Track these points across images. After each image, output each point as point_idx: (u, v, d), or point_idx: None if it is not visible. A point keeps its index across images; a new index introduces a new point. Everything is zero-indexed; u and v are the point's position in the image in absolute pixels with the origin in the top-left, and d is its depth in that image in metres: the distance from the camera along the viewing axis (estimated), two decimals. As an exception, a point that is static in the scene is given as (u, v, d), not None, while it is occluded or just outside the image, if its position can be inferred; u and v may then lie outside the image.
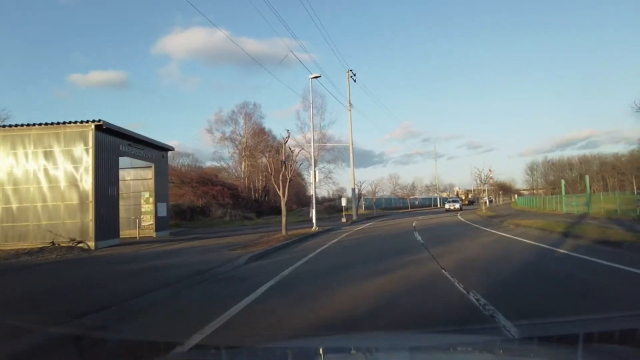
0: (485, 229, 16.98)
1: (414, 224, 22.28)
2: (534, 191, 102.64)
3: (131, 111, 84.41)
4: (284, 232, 15.42)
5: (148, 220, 18.22)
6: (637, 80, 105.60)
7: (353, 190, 29.16)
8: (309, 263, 8.76)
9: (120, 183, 18.89)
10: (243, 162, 49.90)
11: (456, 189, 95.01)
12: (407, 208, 57.52)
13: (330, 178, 32.99)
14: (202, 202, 33.41)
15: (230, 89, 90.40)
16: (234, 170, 51.02)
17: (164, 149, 18.72)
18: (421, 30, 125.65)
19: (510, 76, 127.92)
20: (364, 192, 46.51)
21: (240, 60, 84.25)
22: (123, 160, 18.34)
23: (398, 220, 27.03)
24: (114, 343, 3.79)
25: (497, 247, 10.21)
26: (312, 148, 19.52)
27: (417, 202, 66.86)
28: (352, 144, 29.13)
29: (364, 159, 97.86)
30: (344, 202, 27.49)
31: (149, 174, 18.16)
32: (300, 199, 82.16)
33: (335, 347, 2.18)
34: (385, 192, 59.99)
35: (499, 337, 3.07)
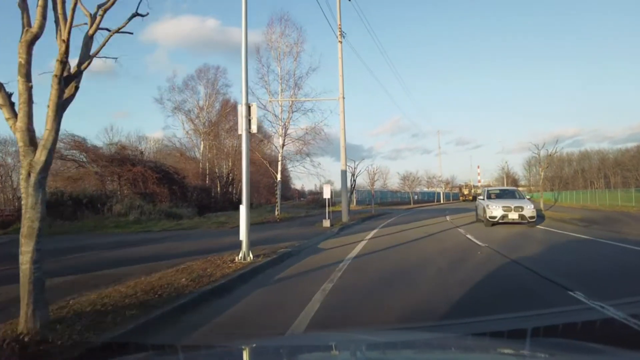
0: None
1: (503, 252, 10.21)
2: (531, 187, 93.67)
3: (117, 99, 72.91)
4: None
5: None
6: (621, 80, 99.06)
7: (343, 174, 16.99)
8: None
9: None
10: (202, 142, 37.41)
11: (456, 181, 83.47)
12: (409, 203, 45.64)
13: (308, 156, 20.19)
14: (108, 189, 21.01)
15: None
16: (191, 152, 38.52)
17: None
18: (413, 27, 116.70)
19: (498, 73, 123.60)
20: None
21: (229, 49, 72.53)
22: None
23: (424, 224, 15.06)
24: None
25: None
26: (243, 39, 7.00)
27: (416, 197, 55.03)
28: (344, 96, 16.96)
29: (353, 153, 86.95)
30: (327, 194, 15.40)
31: None
32: (282, 192, 70.26)
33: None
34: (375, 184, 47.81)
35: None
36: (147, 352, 2.28)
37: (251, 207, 30.99)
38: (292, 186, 68.59)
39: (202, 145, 37.21)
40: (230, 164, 38.21)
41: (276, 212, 18.06)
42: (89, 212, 16.98)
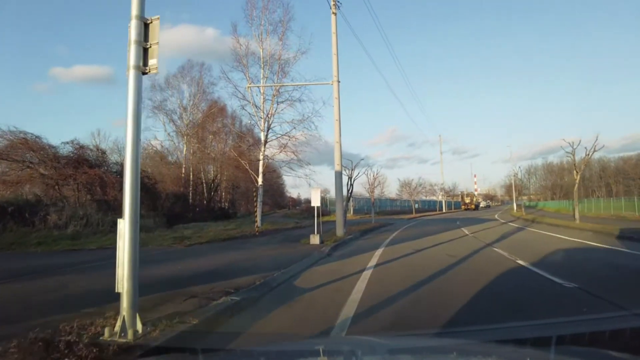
0: None
1: None
2: (531, 196, 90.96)
3: (116, 107, 70.14)
4: None
5: None
6: (617, 91, 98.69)
7: (338, 176, 13.30)
8: None
9: None
10: (185, 145, 33.70)
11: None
12: (410, 212, 41.99)
13: (295, 155, 16.18)
14: (64, 195, 17.34)
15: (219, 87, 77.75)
16: (173, 157, 34.85)
17: None
18: (407, 37, 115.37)
19: (494, 85, 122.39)
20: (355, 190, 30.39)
21: (228, 58, 69.92)
22: None
23: (441, 239, 11.38)
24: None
25: None
26: None
27: (417, 206, 51.38)
28: (338, 79, 13.38)
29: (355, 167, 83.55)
30: (316, 200, 11.68)
31: None
32: (276, 200, 66.50)
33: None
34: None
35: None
36: (168, 354, 2.36)
37: (235, 217, 26.85)
38: (288, 194, 64.84)
39: (184, 149, 33.53)
40: (216, 168, 34.60)
41: (256, 224, 14.32)
42: (15, 223, 13.22)
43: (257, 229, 13.91)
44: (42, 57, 63.32)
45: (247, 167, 15.85)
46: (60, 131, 68.09)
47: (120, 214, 3.69)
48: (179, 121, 33.23)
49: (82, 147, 19.68)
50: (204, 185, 33.99)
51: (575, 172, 16.80)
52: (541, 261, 7.29)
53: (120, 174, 20.28)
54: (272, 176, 52.22)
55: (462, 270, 6.75)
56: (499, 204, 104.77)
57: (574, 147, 15.96)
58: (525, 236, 13.19)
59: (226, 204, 36.03)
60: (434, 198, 64.66)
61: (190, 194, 31.77)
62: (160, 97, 32.70)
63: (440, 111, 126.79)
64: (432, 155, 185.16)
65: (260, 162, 15.54)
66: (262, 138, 15.39)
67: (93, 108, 69.21)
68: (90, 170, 18.06)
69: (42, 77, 67.22)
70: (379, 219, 28.03)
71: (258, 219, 14.89)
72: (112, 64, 77.72)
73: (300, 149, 15.75)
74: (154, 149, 33.69)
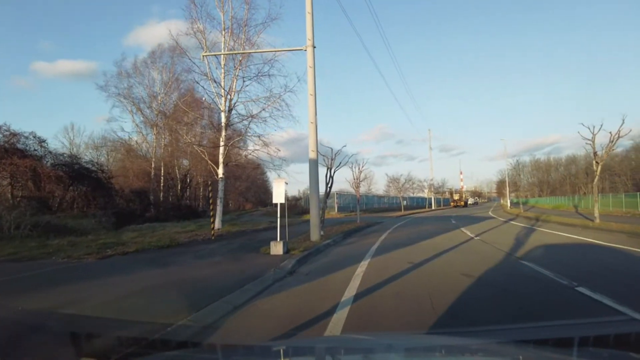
0: None
1: None
2: (519, 193, 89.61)
3: (101, 104, 66.24)
4: None
5: None
6: (604, 89, 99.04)
7: (313, 165, 10.44)
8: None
9: None
10: (155, 137, 30.44)
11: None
12: (399, 210, 39.47)
13: (262, 141, 13.03)
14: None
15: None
16: (142, 150, 31.57)
17: None
18: (397, 32, 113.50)
19: (482, 81, 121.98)
20: (338, 187, 27.61)
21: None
22: None
23: (443, 244, 8.65)
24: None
25: None
26: None
27: (405, 203, 48.96)
28: (314, 45, 10.56)
29: (337, 159, 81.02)
30: (279, 196, 8.76)
31: None
32: (260, 197, 63.37)
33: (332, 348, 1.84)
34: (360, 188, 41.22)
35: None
36: (187, 349, 2.24)
37: (205, 216, 23.70)
38: (269, 191, 62.38)
39: (154, 141, 30.29)
40: (190, 163, 31.50)
41: (212, 225, 11.38)
42: None
43: (212, 232, 11.01)
44: (22, 51, 59.53)
45: (205, 157, 12.89)
46: (40, 128, 64.11)
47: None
48: (147, 110, 29.97)
49: (14, 134, 16.42)
50: (178, 181, 30.91)
51: (595, 162, 14.37)
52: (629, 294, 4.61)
53: (62, 166, 17.18)
54: (256, 172, 49.26)
55: (498, 309, 4.02)
56: (486, 200, 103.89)
57: (594, 132, 13.45)
58: (545, 239, 10.60)
59: (202, 202, 32.99)
60: (423, 195, 62.38)
61: (162, 190, 28.68)
62: (128, 85, 29.42)
63: (427, 108, 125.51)
64: (420, 152, 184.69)
65: (221, 150, 12.58)
66: (223, 120, 12.46)
67: (69, 103, 65.33)
68: (20, 161, 14.93)
69: (21, 71, 63.48)
70: (366, 217, 25.36)
71: (216, 219, 11.97)
72: (96, 59, 73.87)
73: (269, 133, 12.88)
74: (121, 140, 30.40)
